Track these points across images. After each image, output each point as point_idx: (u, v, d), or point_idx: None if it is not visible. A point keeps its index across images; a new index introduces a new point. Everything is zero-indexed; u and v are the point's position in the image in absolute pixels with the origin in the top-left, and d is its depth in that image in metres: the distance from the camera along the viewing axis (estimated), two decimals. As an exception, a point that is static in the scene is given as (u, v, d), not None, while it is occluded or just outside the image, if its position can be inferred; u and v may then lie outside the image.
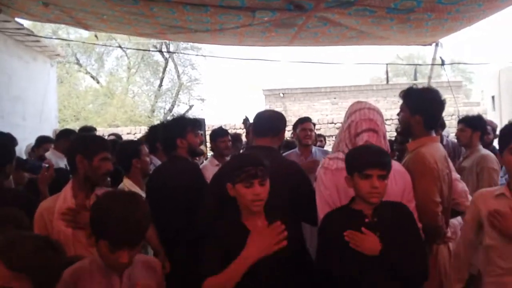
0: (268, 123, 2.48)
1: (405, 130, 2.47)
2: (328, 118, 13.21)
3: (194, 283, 1.89)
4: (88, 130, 4.59)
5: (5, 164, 2.38)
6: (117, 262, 1.51)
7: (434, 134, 2.46)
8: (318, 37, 5.08)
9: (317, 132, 6.08)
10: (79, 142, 2.24)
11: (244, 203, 1.86)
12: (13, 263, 1.19)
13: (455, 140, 4.44)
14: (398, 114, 2.52)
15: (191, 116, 3.10)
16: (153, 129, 3.82)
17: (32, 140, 4.79)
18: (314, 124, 4.41)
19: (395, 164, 2.13)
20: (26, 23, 7.88)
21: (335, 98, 16.90)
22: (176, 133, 2.78)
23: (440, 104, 2.42)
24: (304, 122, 4.20)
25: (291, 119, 4.45)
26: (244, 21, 4.27)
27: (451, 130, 7.90)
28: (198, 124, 2.93)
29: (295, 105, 16.82)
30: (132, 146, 3.09)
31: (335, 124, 11.94)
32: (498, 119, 12.22)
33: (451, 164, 2.59)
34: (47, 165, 2.75)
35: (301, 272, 1.95)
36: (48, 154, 4.10)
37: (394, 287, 1.83)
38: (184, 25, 4.63)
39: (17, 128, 6.96)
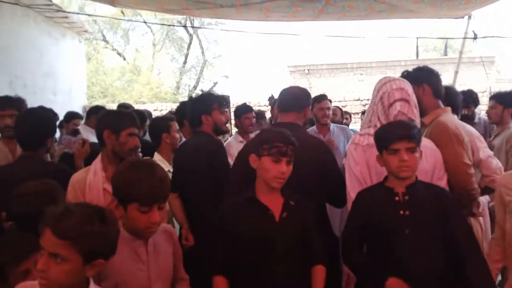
0: (293, 99, 2.46)
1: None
2: (354, 95, 13.00)
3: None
4: (126, 107, 4.69)
5: (47, 138, 2.45)
6: (149, 222, 1.58)
7: (442, 105, 2.46)
8: (345, 11, 4.95)
9: (343, 109, 6.01)
10: (107, 118, 2.26)
11: (266, 177, 1.84)
12: (59, 231, 1.25)
13: (487, 118, 4.32)
14: None
15: (217, 93, 3.09)
16: (182, 105, 3.81)
17: (62, 116, 4.93)
18: (330, 101, 4.34)
19: (426, 141, 2.11)
20: None
21: (361, 74, 16.52)
22: (201, 109, 2.77)
23: (437, 76, 2.49)
24: (321, 101, 4.10)
25: (316, 96, 4.44)
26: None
27: (482, 108, 7.65)
28: (224, 101, 2.88)
29: (320, 81, 16.58)
30: (163, 121, 3.18)
31: (361, 101, 11.73)
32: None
33: (482, 139, 2.54)
34: (82, 141, 2.84)
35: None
36: (79, 129, 4.23)
37: (423, 264, 1.80)
38: (209, 0, 4.61)
39: (48, 103, 7.07)
